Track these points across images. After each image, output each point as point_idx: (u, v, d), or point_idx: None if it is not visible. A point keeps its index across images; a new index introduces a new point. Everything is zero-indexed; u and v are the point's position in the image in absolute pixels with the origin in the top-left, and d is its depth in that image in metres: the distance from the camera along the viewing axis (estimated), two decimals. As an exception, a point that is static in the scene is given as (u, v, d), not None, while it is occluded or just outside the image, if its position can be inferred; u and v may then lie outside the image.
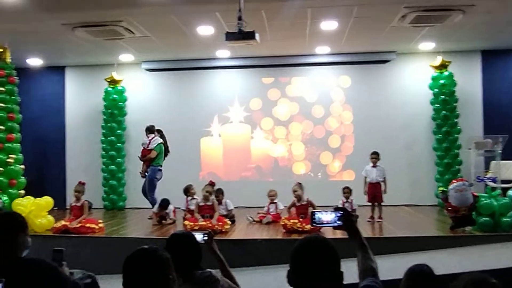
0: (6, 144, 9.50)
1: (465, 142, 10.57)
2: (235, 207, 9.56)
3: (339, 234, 6.16)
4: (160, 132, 10.12)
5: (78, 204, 8.56)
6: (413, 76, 11.55)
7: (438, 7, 8.06)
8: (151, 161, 9.83)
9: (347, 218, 2.47)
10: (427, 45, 10.76)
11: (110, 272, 6.43)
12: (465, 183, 7.83)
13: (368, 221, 8.92)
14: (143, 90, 12.23)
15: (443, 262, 6.32)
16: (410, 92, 11.51)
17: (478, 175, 9.46)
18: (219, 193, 9.31)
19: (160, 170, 9.90)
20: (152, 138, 9.91)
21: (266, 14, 8.26)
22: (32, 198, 8.80)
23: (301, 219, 8.03)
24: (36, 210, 8.46)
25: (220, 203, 9.13)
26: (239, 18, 7.26)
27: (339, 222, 2.45)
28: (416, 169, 11.36)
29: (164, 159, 10.05)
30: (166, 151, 10.11)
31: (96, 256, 7.28)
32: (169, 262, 2.22)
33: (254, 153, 11.97)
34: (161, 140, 9.96)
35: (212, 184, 9.10)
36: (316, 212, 2.49)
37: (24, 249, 2.66)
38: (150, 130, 10.04)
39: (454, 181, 8.14)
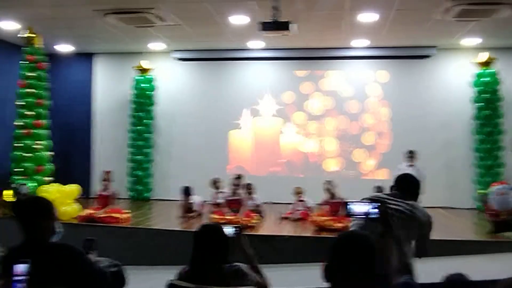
0: (34, 130, 9.48)
1: (508, 143, 10.15)
2: (263, 203, 9.34)
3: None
4: None
5: (107, 193, 8.49)
6: (455, 73, 11.10)
7: (485, 1, 7.65)
8: None
9: (384, 210, 2.40)
10: (471, 41, 10.31)
11: (134, 263, 6.31)
12: (507, 186, 7.54)
13: (402, 222, 8.59)
14: (173, 80, 12.07)
15: (481, 267, 6.14)
16: (450, 89, 11.08)
17: (521, 178, 9.15)
18: (249, 188, 9.10)
19: None
20: None
21: (302, 4, 7.98)
22: (58, 185, 8.77)
23: (334, 217, 7.89)
24: (61, 198, 8.46)
25: (250, 197, 8.93)
26: (274, 8, 7.09)
27: (375, 214, 2.38)
28: (454, 170, 10.95)
29: None
30: None
31: (120, 246, 7.16)
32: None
33: (284, 147, 11.69)
34: None
35: (239, 177, 8.89)
36: (350, 203, 2.43)
37: (52, 234, 2.79)
38: None
39: (495, 184, 7.91)
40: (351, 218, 3.17)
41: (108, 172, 8.69)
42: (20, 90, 9.50)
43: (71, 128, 12.06)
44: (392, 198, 3.39)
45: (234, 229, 3.31)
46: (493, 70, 10.47)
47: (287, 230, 8.00)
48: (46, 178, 9.50)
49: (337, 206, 8.18)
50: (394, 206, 3.36)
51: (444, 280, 3.00)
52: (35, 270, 2.30)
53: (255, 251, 3.40)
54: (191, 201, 9.14)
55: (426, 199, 9.05)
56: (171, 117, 11.96)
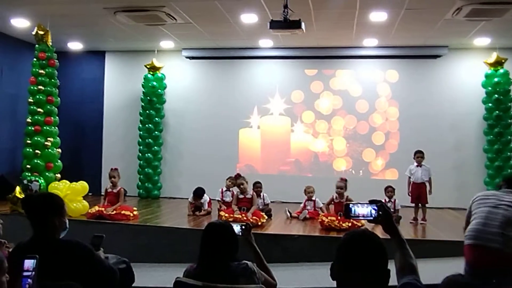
0: (44, 127, 9.52)
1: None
2: (271, 202, 9.34)
3: (380, 234, 5.92)
4: None
5: (115, 191, 8.51)
6: (465, 73, 11.00)
7: (496, 0, 7.58)
8: None
9: (384, 210, 2.32)
10: (482, 41, 10.21)
11: (143, 260, 6.34)
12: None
13: (411, 222, 8.63)
14: (183, 78, 12.08)
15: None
16: (461, 89, 10.98)
17: (532, 180, 8.97)
18: (258, 186, 9.08)
19: None
20: None
21: (312, 3, 7.97)
22: (68, 182, 8.81)
23: (339, 217, 7.86)
24: (71, 195, 8.48)
25: (258, 195, 8.91)
26: (285, 6, 7.11)
27: (376, 214, 2.33)
28: (464, 171, 10.85)
29: None
30: None
31: (129, 243, 7.19)
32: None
33: (294, 147, 11.66)
34: None
35: (238, 176, 8.83)
36: (351, 205, 2.37)
37: (61, 231, 2.84)
38: None
39: (506, 185, 7.72)
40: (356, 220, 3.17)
41: (114, 169, 8.70)
42: (31, 87, 9.57)
43: (82, 125, 12.13)
44: (506, 193, 3.98)
45: (242, 226, 3.34)
46: (505, 70, 10.36)
47: (296, 229, 7.96)
48: (56, 175, 9.55)
49: (341, 206, 8.16)
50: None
51: (444, 280, 2.97)
52: (43, 266, 2.31)
53: (262, 250, 3.41)
54: (202, 201, 9.14)
55: (435, 199, 9.07)
56: (181, 115, 11.98)
